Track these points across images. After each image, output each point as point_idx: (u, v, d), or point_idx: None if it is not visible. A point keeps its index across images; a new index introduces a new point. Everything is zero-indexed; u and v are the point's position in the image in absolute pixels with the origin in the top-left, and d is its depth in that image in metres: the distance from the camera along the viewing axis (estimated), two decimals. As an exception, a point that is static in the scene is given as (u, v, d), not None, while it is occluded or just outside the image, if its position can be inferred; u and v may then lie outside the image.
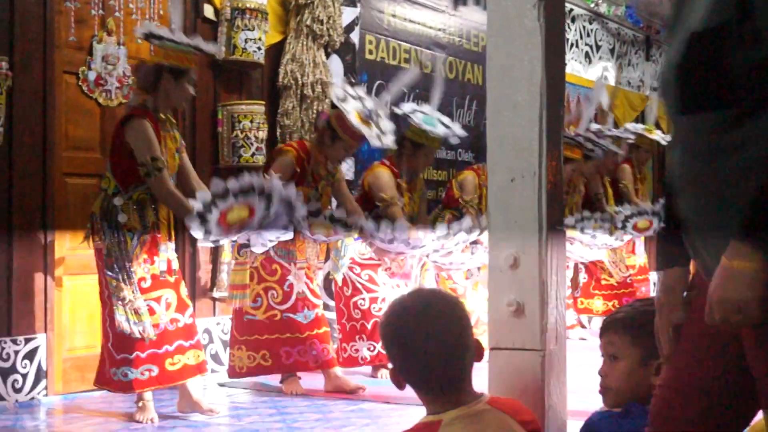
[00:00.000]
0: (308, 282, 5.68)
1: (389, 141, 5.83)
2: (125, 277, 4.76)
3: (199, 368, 4.98)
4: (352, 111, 5.61)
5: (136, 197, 4.81)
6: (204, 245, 5.52)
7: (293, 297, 5.62)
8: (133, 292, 4.76)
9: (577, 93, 10.55)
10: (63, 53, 5.62)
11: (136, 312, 4.76)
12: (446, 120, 6.45)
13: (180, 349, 4.88)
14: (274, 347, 5.64)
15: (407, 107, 6.43)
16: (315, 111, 6.85)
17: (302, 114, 6.83)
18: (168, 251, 4.92)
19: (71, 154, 5.69)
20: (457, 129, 6.48)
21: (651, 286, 9.19)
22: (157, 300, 4.84)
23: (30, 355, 5.37)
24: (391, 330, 2.30)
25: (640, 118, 12.08)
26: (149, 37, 4.92)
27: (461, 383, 2.27)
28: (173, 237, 5.02)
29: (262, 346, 5.63)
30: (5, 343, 5.25)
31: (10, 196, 5.32)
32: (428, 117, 6.30)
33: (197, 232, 4.69)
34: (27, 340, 5.36)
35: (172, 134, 4.98)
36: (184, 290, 4.98)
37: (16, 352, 5.31)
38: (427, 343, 2.23)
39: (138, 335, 4.76)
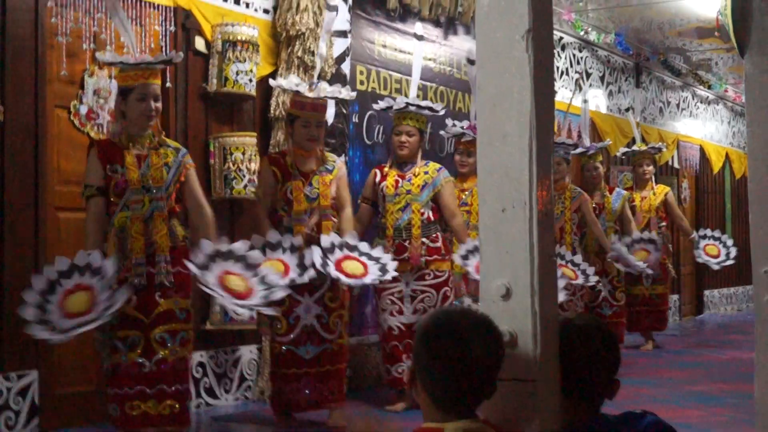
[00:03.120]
0: (324, 315, 5.53)
1: (347, 92, 5.92)
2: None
3: (170, 419, 4.70)
4: (295, 87, 5.67)
5: (117, 223, 4.76)
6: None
7: (298, 329, 5.52)
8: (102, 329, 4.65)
9: (568, 120, 10.60)
10: (54, 87, 5.63)
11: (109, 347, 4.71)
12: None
13: (141, 394, 4.66)
14: (275, 382, 5.61)
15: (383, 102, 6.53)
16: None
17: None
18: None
19: (63, 188, 5.69)
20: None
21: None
22: (122, 339, 4.68)
23: (23, 392, 5.34)
24: (432, 329, 2.30)
25: (631, 145, 12.16)
26: (107, 64, 5.04)
27: (474, 399, 2.31)
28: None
29: (271, 379, 5.73)
30: (-3, 378, 5.22)
31: (2, 230, 5.32)
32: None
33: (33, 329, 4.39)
34: (19, 377, 5.33)
35: (145, 152, 4.84)
36: (161, 333, 4.71)
37: (9, 389, 5.28)
38: (465, 349, 2.25)
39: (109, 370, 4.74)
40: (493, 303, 2.48)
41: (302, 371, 5.49)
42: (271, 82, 6.12)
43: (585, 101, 10.07)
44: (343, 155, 7.15)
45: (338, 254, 5.50)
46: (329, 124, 7.02)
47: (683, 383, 7.56)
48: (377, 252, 5.74)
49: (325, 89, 5.74)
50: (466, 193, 7.01)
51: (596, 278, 7.93)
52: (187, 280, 4.83)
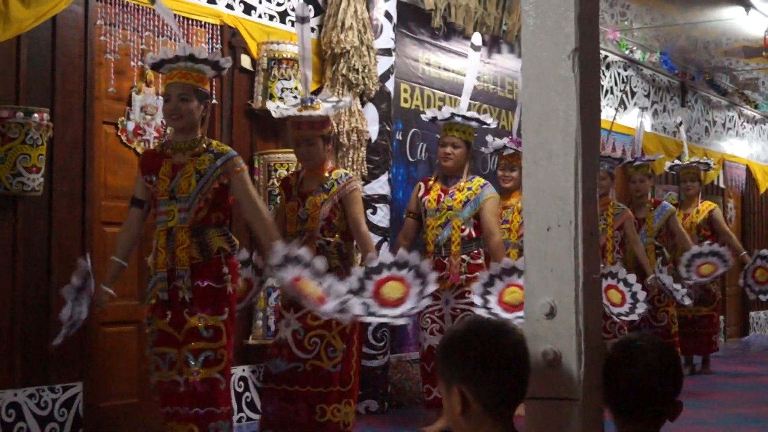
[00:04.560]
0: (300, 331, 5.12)
1: (347, 101, 5.71)
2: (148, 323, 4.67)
3: None
4: (292, 109, 5.36)
5: (155, 236, 4.67)
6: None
7: (272, 343, 5.31)
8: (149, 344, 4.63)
9: (612, 139, 10.55)
10: (102, 104, 5.71)
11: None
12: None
13: (176, 415, 4.52)
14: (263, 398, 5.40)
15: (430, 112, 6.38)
16: (351, 159, 6.89)
17: (338, 162, 6.88)
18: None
19: (110, 203, 5.76)
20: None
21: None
22: (161, 356, 4.58)
23: (67, 404, 5.39)
24: (476, 333, 2.34)
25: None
26: (152, 65, 4.82)
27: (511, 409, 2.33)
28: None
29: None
30: (43, 391, 5.28)
31: (50, 245, 5.38)
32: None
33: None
34: (64, 389, 5.39)
35: (186, 159, 4.63)
36: (186, 353, 4.50)
37: (54, 400, 5.34)
38: (514, 345, 2.31)
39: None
40: (537, 321, 2.48)
41: (268, 386, 5.19)
42: (269, 105, 5.83)
43: (642, 118, 9.94)
44: (387, 172, 7.16)
45: (376, 277, 5.08)
46: (372, 141, 7.05)
47: (730, 405, 7.47)
48: (414, 258, 5.15)
49: (318, 106, 5.35)
50: (508, 210, 6.90)
51: (644, 309, 7.13)
52: (219, 295, 4.57)
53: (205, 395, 4.48)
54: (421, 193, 6.22)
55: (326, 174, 5.35)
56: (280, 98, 6.36)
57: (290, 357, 5.11)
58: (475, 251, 6.07)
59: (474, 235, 6.09)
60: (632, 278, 6.95)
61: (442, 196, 6.11)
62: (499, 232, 6.16)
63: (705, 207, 9.77)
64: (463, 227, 6.01)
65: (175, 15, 5.92)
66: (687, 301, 8.38)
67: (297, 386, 5.09)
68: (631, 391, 2.47)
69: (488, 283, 5.52)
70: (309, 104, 5.28)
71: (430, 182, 6.24)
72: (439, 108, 7.01)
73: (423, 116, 6.54)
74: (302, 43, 5.36)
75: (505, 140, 7.05)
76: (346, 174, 5.41)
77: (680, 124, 11.06)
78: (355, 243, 5.43)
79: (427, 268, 5.07)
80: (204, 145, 4.68)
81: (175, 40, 5.94)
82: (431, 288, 5.03)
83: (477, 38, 6.66)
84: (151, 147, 5.76)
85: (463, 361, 2.31)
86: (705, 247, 9.06)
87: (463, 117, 6.18)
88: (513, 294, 5.35)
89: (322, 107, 5.31)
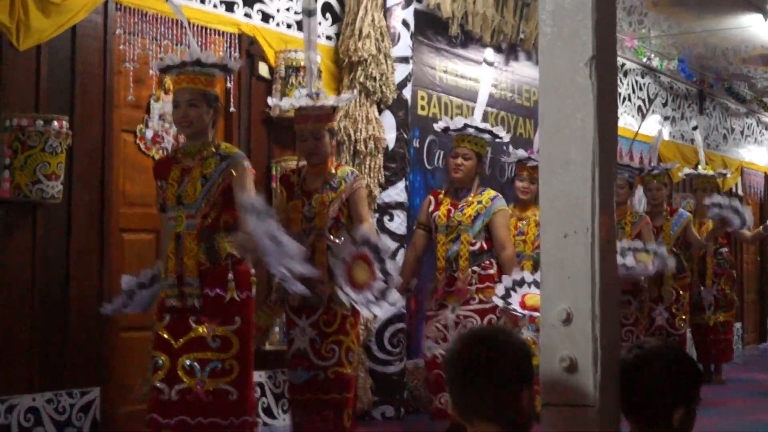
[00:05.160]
0: (317, 339, 5.11)
1: (350, 96, 5.70)
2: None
3: None
4: (292, 102, 5.34)
5: (166, 240, 4.67)
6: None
7: (291, 353, 5.22)
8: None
9: (630, 146, 10.54)
10: (121, 112, 5.74)
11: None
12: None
13: (151, 422, 4.41)
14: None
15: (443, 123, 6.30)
16: (368, 167, 6.90)
17: (355, 169, 6.89)
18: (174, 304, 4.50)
19: (128, 210, 5.79)
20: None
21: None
22: (153, 360, 4.48)
23: (85, 409, 5.42)
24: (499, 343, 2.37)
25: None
26: (162, 70, 4.82)
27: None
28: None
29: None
30: (61, 396, 5.31)
31: (69, 252, 5.42)
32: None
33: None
34: (82, 394, 5.42)
35: (195, 164, 4.59)
36: (191, 361, 4.39)
37: (72, 405, 5.37)
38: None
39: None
40: (554, 328, 2.48)
41: (294, 397, 5.21)
42: (270, 101, 5.74)
43: (661, 127, 9.91)
44: (404, 180, 7.17)
45: (349, 258, 5.09)
46: (389, 148, 7.07)
47: (746, 413, 7.44)
48: (392, 265, 5.16)
49: (324, 98, 5.34)
50: (524, 221, 6.81)
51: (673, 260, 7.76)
52: (229, 304, 4.48)
53: (211, 406, 4.36)
54: (431, 208, 6.10)
55: (332, 171, 5.27)
56: (298, 89, 6.36)
57: (310, 366, 5.09)
58: (486, 262, 5.95)
59: (485, 247, 5.97)
60: (639, 243, 7.51)
61: (452, 211, 5.99)
62: (510, 245, 6.07)
63: None
64: (473, 241, 5.89)
65: (193, 24, 5.98)
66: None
67: (320, 394, 5.08)
68: (641, 392, 2.51)
69: (506, 295, 5.59)
70: (314, 97, 5.24)
71: (440, 196, 6.12)
72: (452, 118, 7.00)
73: (436, 126, 6.45)
74: (308, 36, 5.29)
75: (527, 152, 6.97)
76: (352, 172, 5.37)
77: (695, 128, 11.03)
78: None
79: (386, 249, 5.14)
80: (213, 149, 4.60)
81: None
82: (387, 307, 5.17)
83: (490, 54, 6.63)
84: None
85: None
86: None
87: (476, 128, 6.08)
88: (534, 298, 5.37)
89: (328, 98, 5.32)
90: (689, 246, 9.16)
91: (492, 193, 6.12)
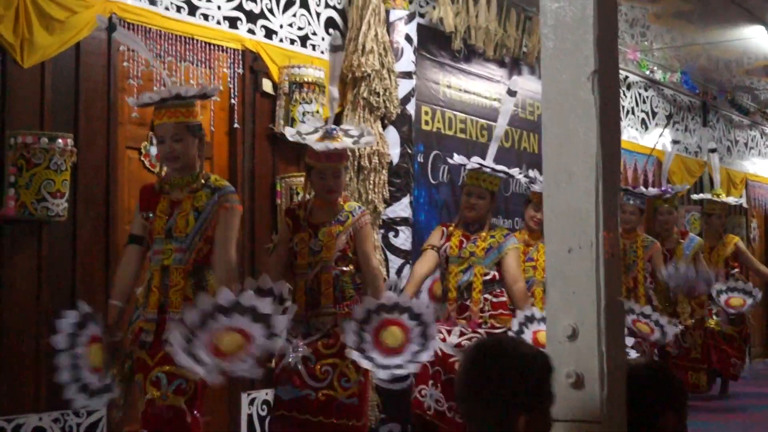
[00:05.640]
0: (312, 359, 4.99)
1: (370, 140, 5.46)
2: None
3: None
4: (309, 138, 5.20)
5: (148, 275, 4.50)
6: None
7: (279, 368, 5.09)
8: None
9: (633, 159, 10.53)
10: (126, 129, 5.75)
11: None
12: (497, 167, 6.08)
13: None
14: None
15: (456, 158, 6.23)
16: (372, 182, 6.90)
17: (359, 185, 6.89)
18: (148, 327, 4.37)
19: (133, 227, 5.79)
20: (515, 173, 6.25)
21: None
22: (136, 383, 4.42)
23: (91, 428, 5.41)
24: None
25: (698, 184, 12.00)
26: (139, 106, 4.72)
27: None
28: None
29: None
30: (67, 415, 5.30)
31: (74, 269, 5.42)
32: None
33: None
34: (88, 413, 5.41)
35: (184, 196, 4.48)
36: (158, 373, 4.28)
37: (78, 425, 5.36)
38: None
39: None
40: (559, 344, 2.48)
41: (279, 413, 5.08)
42: (286, 131, 5.62)
43: (675, 142, 9.88)
44: (408, 195, 7.17)
45: (375, 322, 4.97)
46: (394, 163, 7.07)
47: (752, 427, 7.41)
48: (419, 305, 5.12)
49: (364, 140, 5.31)
50: (532, 248, 6.78)
51: (676, 329, 7.38)
52: None
53: (167, 422, 4.26)
54: (442, 240, 6.03)
55: (340, 204, 5.24)
56: (302, 122, 6.34)
57: (302, 385, 5.00)
58: (498, 290, 5.90)
59: (497, 277, 5.92)
60: (648, 309, 7.12)
61: (464, 242, 5.93)
62: (522, 280, 6.02)
63: (730, 239, 9.77)
64: (486, 272, 5.84)
65: (197, 40, 6.00)
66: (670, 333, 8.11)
67: (308, 415, 4.98)
68: (634, 418, 2.51)
69: (519, 331, 5.58)
70: (332, 135, 5.16)
71: (451, 228, 6.05)
72: (456, 133, 6.97)
73: (450, 160, 6.39)
74: (333, 71, 5.32)
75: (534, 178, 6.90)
76: (359, 207, 5.32)
77: (714, 150, 10.99)
78: None
79: (428, 315, 5.02)
80: (202, 181, 4.50)
81: (197, 65, 5.99)
82: (429, 353, 5.04)
83: (514, 83, 6.56)
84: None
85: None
86: (731, 283, 9.09)
87: (492, 169, 5.99)
88: (544, 335, 5.36)
89: (344, 140, 5.19)
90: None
91: (504, 230, 6.11)
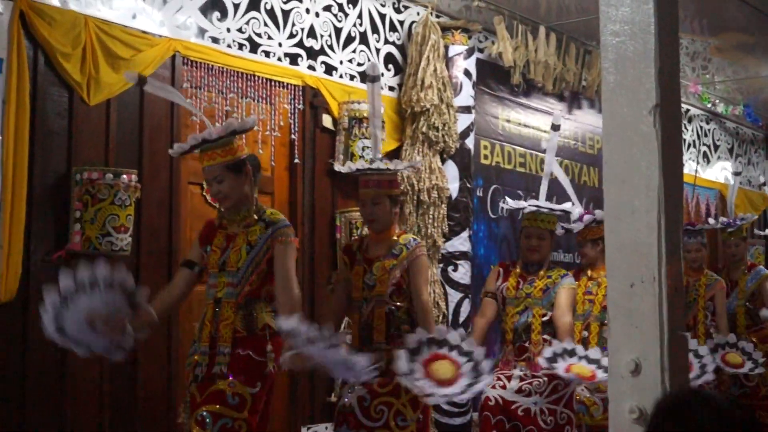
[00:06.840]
0: (366, 398, 4.91)
1: (405, 165, 5.40)
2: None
3: None
4: (352, 166, 5.24)
5: (205, 307, 4.55)
6: None
7: (337, 409, 5.07)
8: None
9: (696, 193, 10.42)
10: (188, 164, 5.83)
11: None
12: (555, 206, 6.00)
13: None
14: None
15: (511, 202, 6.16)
16: (431, 216, 6.91)
17: (419, 219, 6.91)
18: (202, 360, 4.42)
19: (195, 261, 5.85)
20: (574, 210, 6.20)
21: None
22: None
23: (154, 460, 5.46)
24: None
25: (762, 218, 11.84)
26: (178, 155, 4.73)
27: None
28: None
29: None
30: (130, 447, 5.35)
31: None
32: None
33: None
34: (151, 445, 5.46)
35: (239, 231, 4.50)
36: (203, 412, 4.25)
37: (141, 457, 5.41)
38: None
39: None
40: (622, 379, 2.46)
41: None
42: (336, 167, 5.65)
43: (737, 174, 9.76)
44: (467, 229, 7.17)
45: (425, 354, 4.89)
46: (453, 198, 7.08)
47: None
48: (468, 345, 5.02)
49: (385, 163, 5.22)
50: (592, 282, 6.71)
51: (711, 377, 6.62)
52: (257, 367, 4.37)
53: None
54: (499, 280, 5.95)
55: (394, 238, 5.16)
56: (361, 157, 6.40)
57: (356, 425, 4.91)
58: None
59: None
60: (704, 350, 6.84)
61: (521, 283, 5.85)
62: (569, 315, 5.85)
63: None
64: (544, 313, 5.76)
65: (258, 76, 6.08)
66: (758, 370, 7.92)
67: None
68: None
69: (552, 359, 5.45)
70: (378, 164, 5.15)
71: (509, 267, 5.98)
72: (515, 167, 6.95)
73: (504, 205, 6.34)
74: (372, 102, 5.23)
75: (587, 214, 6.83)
76: (414, 239, 5.22)
77: (764, 185, 10.89)
78: None
79: (478, 353, 4.91)
80: (255, 216, 4.52)
81: (258, 101, 6.07)
82: (482, 386, 4.92)
83: (557, 116, 6.52)
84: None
85: None
86: None
87: (549, 209, 5.90)
88: (581, 369, 5.31)
89: (375, 164, 5.16)
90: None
91: (562, 271, 6.00)
